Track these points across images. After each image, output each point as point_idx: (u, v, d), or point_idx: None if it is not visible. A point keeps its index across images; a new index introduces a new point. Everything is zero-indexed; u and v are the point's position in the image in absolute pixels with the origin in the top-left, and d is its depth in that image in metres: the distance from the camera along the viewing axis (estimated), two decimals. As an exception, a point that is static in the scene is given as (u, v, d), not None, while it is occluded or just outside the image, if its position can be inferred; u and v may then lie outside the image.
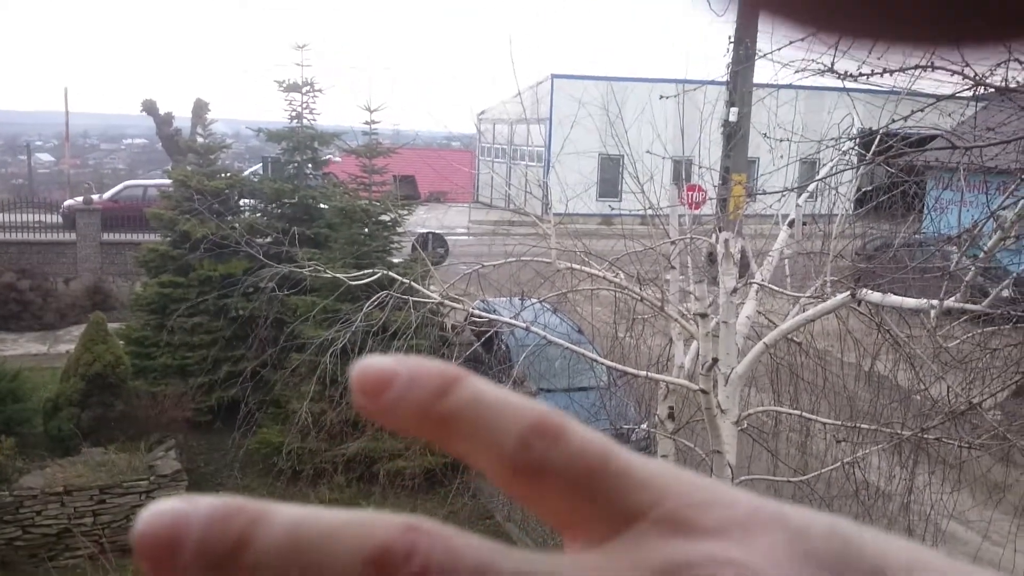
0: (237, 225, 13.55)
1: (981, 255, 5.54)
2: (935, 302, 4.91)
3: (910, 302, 5.39)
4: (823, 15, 0.32)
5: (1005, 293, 5.94)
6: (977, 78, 4.35)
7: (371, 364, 0.37)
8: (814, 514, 0.36)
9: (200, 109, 23.73)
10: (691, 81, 8.36)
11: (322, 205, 14.88)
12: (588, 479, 0.36)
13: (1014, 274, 5.93)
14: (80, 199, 23.94)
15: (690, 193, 10.50)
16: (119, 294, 20.44)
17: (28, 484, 10.50)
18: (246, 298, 13.07)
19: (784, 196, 6.99)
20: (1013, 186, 5.13)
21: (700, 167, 8.43)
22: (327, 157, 16.12)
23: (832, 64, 4.63)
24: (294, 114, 15.26)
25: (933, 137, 6.82)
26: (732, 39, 14.04)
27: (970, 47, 0.32)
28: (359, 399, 0.37)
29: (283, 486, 11.94)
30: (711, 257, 8.05)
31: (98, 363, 11.77)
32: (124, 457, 11.08)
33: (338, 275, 8.44)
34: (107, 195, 25.91)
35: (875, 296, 5.54)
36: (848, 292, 5.65)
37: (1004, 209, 5.24)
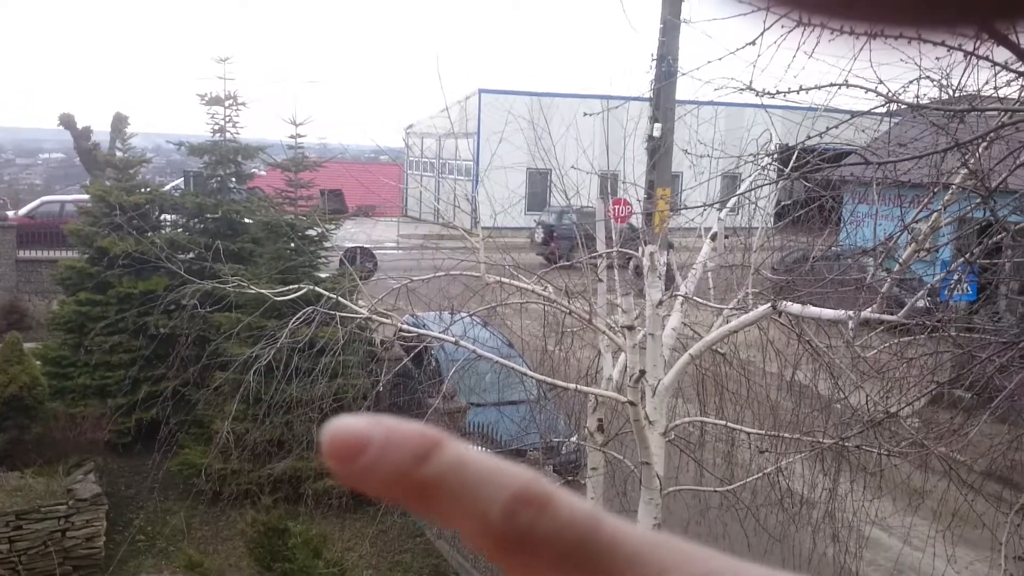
0: (158, 240, 13.23)
1: (896, 267, 5.70)
2: (852, 313, 5.03)
3: (828, 313, 5.52)
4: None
5: (920, 304, 6.12)
6: (890, 95, 4.48)
7: (343, 426, 0.35)
8: None
9: (119, 123, 23.18)
10: (616, 97, 8.47)
11: (246, 220, 14.64)
12: (578, 551, 0.34)
13: (928, 285, 6.12)
14: (-7, 215, 23.16)
15: (616, 207, 10.61)
16: (35, 313, 19.79)
17: (-62, 512, 10.08)
18: (167, 315, 12.77)
19: (706, 210, 7.11)
20: (926, 199, 5.30)
21: (625, 182, 8.54)
22: (251, 171, 15.88)
23: (751, 82, 4.73)
24: (217, 127, 15.01)
25: (849, 153, 7.01)
26: (655, 56, 14.29)
27: (953, 27, 0.32)
28: (331, 464, 0.35)
29: (204, 508, 11.67)
30: (637, 270, 8.15)
31: (13, 384, 11.38)
32: (41, 481, 10.71)
33: (263, 291, 8.30)
34: (23, 211, 25.11)
35: (795, 308, 5.66)
36: (769, 304, 5.76)
37: (918, 222, 5.41)
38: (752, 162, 6.73)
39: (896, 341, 6.01)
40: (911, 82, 4.54)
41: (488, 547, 0.35)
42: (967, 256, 5.44)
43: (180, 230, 15.16)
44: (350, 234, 22.40)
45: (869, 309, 5.16)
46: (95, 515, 10.67)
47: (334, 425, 0.36)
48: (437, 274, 7.96)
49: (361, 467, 0.35)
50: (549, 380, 7.28)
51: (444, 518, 0.36)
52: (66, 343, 13.68)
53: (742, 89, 4.86)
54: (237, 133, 15.11)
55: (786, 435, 6.52)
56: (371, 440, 0.35)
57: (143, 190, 14.98)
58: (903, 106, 4.71)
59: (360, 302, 8.61)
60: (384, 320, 7.85)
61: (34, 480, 10.72)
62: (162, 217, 15.41)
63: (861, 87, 4.31)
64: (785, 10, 0.35)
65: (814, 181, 6.54)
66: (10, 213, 23.68)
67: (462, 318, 8.07)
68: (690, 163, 7.34)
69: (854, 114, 4.92)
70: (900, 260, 5.68)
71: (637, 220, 10.48)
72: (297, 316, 7.67)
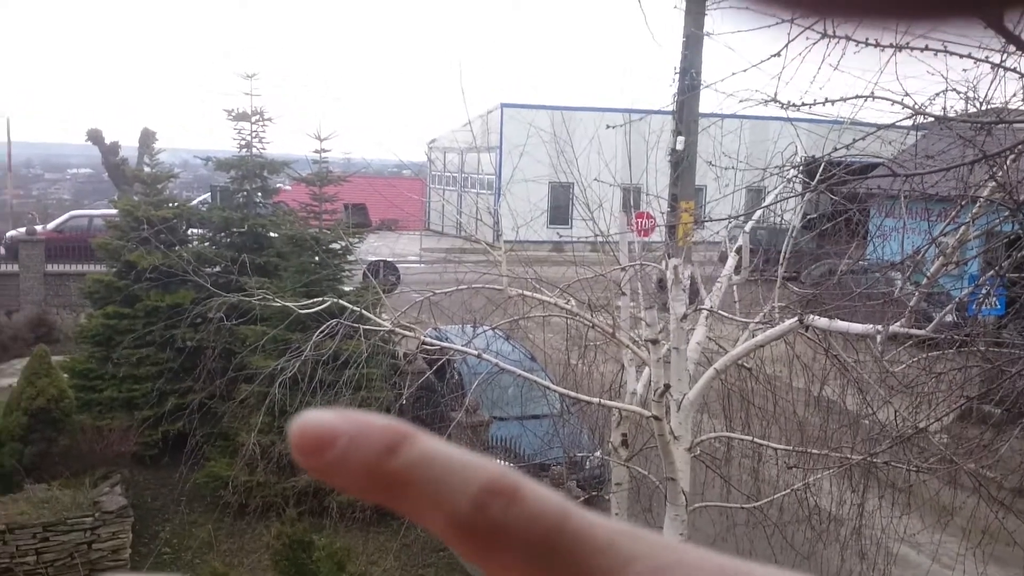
0: (185, 254, 13.34)
1: (924, 281, 5.64)
2: (881, 327, 4.98)
3: (856, 327, 5.46)
4: None
5: (948, 318, 6.05)
6: (917, 107, 4.45)
7: (311, 421, 0.35)
8: (779, 572, 0.35)
9: (147, 138, 23.45)
10: (638, 111, 8.47)
11: (272, 234, 14.74)
12: (546, 542, 0.35)
13: (957, 299, 6.05)
14: (23, 230, 23.45)
15: (639, 220, 10.59)
16: (63, 326, 19.99)
17: (-33, 523, 10.17)
18: (194, 329, 12.86)
19: (731, 223, 7.08)
20: (954, 213, 5.24)
21: (648, 195, 8.51)
22: (277, 185, 16.00)
23: (775, 93, 4.71)
24: (243, 143, 15.14)
25: (875, 165, 6.96)
26: (678, 69, 14.28)
27: (949, 20, 0.32)
28: (300, 458, 0.35)
29: (230, 521, 11.71)
30: (661, 284, 8.12)
31: (41, 397, 11.49)
32: (68, 493, 10.79)
33: (288, 304, 8.35)
34: (51, 225, 25.43)
35: (822, 322, 5.61)
36: (796, 318, 5.72)
37: (945, 235, 5.35)
38: (778, 174, 6.69)
39: (925, 356, 5.94)
40: (938, 94, 4.51)
41: (457, 539, 0.36)
42: (996, 269, 5.37)
43: (207, 244, 15.28)
44: (373, 248, 22.48)
45: (898, 323, 5.11)
46: (121, 527, 10.73)
47: (302, 419, 0.36)
48: (459, 287, 7.97)
49: (330, 461, 0.35)
50: (572, 394, 7.26)
51: (413, 512, 0.36)
52: (94, 356, 13.80)
53: (767, 101, 4.84)
54: (263, 148, 15.24)
55: (814, 451, 6.45)
56: (339, 434, 0.35)
57: (170, 205, 15.12)
58: (930, 118, 4.67)
59: (383, 315, 8.64)
60: (407, 333, 7.86)
61: (61, 492, 10.80)
62: (189, 231, 15.55)
63: (887, 99, 4.28)
64: (792, 11, 0.34)
65: (840, 194, 6.50)
66: (39, 227, 23.98)
67: (484, 331, 8.07)
68: (714, 176, 7.31)
69: (881, 127, 4.88)
70: (928, 274, 5.62)
71: (660, 233, 10.45)
72: (321, 329, 7.70)
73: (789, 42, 3.73)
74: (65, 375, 12.99)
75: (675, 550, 0.35)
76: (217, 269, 13.78)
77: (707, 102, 14.85)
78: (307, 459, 0.35)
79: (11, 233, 24.48)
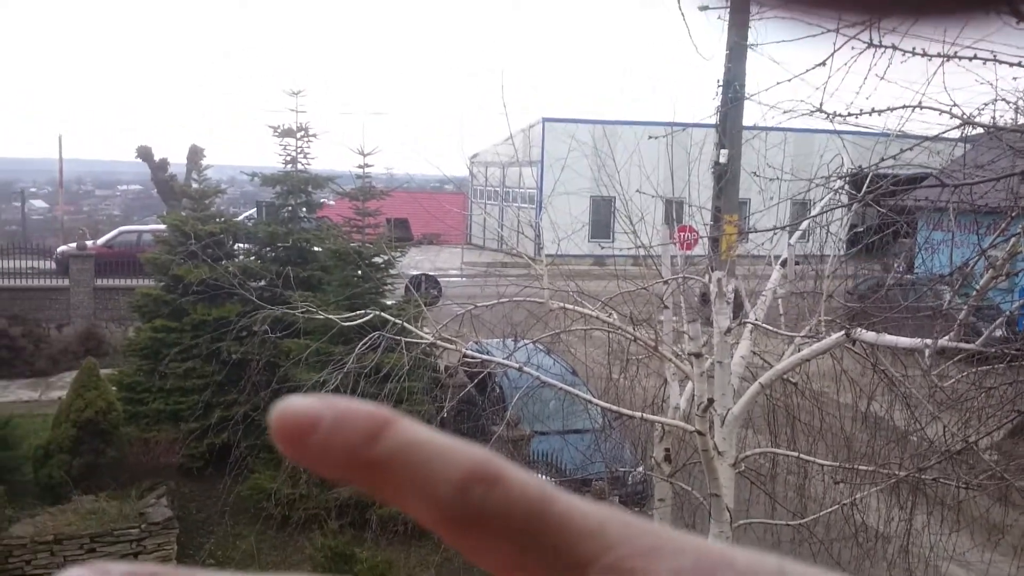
0: (231, 268, 13.52)
1: (973, 294, 5.53)
2: (929, 341, 4.89)
3: (905, 341, 5.37)
4: None
5: (998, 332, 5.92)
6: (966, 117, 4.37)
7: (292, 406, 0.35)
8: (761, 558, 0.34)
9: (195, 155, 23.85)
10: (680, 124, 8.42)
11: (316, 248, 14.89)
12: (529, 527, 0.34)
13: (1007, 312, 5.92)
14: (74, 245, 23.92)
15: (681, 234, 10.52)
16: (112, 339, 20.34)
17: (18, 533, 10.35)
18: (239, 341, 13.01)
19: (776, 236, 7.01)
20: (1004, 224, 5.14)
21: (691, 206, 8.46)
22: (321, 200, 16.16)
23: (821, 104, 4.66)
24: (289, 159, 15.33)
25: (923, 177, 6.86)
26: (721, 81, 14.21)
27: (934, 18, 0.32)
28: (281, 445, 0.35)
29: (274, 532, 11.79)
30: (704, 297, 8.05)
31: (90, 409, 11.68)
32: (115, 505, 10.94)
33: (331, 317, 8.41)
34: (101, 241, 25.91)
35: (870, 336, 5.52)
36: (843, 332, 5.63)
37: (995, 248, 5.24)
38: (823, 186, 6.61)
39: (974, 371, 5.83)
40: (986, 104, 4.43)
41: (440, 526, 0.35)
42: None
43: (252, 258, 15.46)
44: (415, 261, 22.60)
45: (946, 337, 5.02)
46: (166, 539, 10.86)
47: (282, 405, 0.35)
48: (501, 301, 7.97)
49: (311, 447, 0.35)
50: (615, 408, 7.21)
51: (396, 498, 0.36)
52: (141, 369, 14.01)
53: (812, 111, 4.79)
54: (308, 164, 15.42)
55: (861, 467, 6.34)
56: (320, 419, 0.35)
57: (217, 220, 15.34)
58: (979, 128, 4.59)
59: (425, 328, 8.66)
60: (448, 346, 7.88)
61: (108, 504, 10.96)
62: (235, 246, 15.75)
63: (936, 109, 4.21)
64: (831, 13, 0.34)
65: (887, 206, 6.40)
66: (89, 243, 24.44)
67: (526, 345, 8.05)
68: (759, 188, 7.24)
69: (929, 138, 4.81)
70: (977, 287, 5.51)
71: (703, 246, 10.38)
72: (364, 342, 7.74)
73: (835, 51, 3.69)
74: (113, 388, 13.20)
75: (656, 535, 0.35)
76: (262, 283, 13.95)
77: (750, 114, 14.76)
78: (287, 445, 0.35)
79: (62, 248, 24.96)
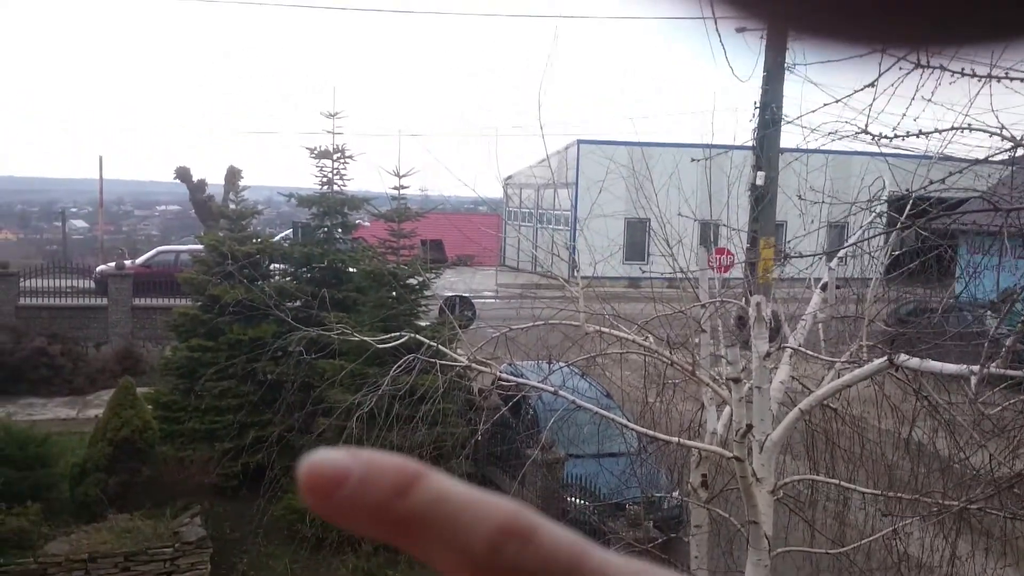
0: (267, 289, 13.61)
1: (1021, 320, 5.41)
2: (976, 368, 4.78)
3: (950, 368, 5.25)
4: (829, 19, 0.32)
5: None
6: (1017, 140, 4.28)
7: (320, 460, 0.35)
8: None
9: (232, 176, 24.11)
10: (718, 146, 8.36)
11: (351, 269, 14.96)
12: None
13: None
14: (113, 264, 24.23)
15: (719, 256, 10.43)
16: (149, 358, 20.54)
17: (53, 551, 10.43)
18: (274, 362, 13.07)
19: (816, 260, 6.91)
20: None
21: (729, 228, 8.38)
22: (356, 222, 16.25)
23: (866, 126, 4.59)
24: (324, 180, 15.44)
25: (962, 201, 6.74)
26: (758, 104, 14.12)
27: (962, 46, 0.32)
28: (309, 499, 0.35)
29: (307, 554, 11.77)
30: (741, 321, 7.95)
31: (126, 428, 11.77)
32: (150, 524, 10.99)
33: (366, 338, 8.41)
34: (140, 260, 26.23)
35: (913, 362, 5.41)
36: (885, 357, 5.52)
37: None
38: (865, 210, 6.51)
39: (1022, 398, 5.68)
40: (1037, 126, 4.34)
41: None
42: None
43: (288, 279, 15.57)
44: (449, 283, 22.64)
45: (994, 364, 4.90)
46: (200, 558, 10.88)
47: (311, 458, 0.35)
48: (536, 323, 7.93)
49: (339, 502, 0.34)
50: (650, 433, 7.12)
51: (426, 553, 0.35)
52: (177, 388, 14.12)
53: (858, 133, 4.72)
54: (343, 185, 15.52)
55: (903, 496, 6.20)
56: (349, 473, 0.34)
57: (254, 240, 15.48)
58: (1030, 151, 4.50)
59: (459, 351, 8.64)
60: (483, 369, 7.84)
61: (142, 522, 11.01)
62: (271, 266, 15.87)
63: (985, 131, 4.13)
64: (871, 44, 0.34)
65: (931, 230, 6.29)
66: (127, 262, 24.75)
67: (560, 368, 8.00)
68: (799, 211, 7.15)
69: (978, 161, 4.72)
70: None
71: (740, 269, 10.28)
72: (398, 364, 7.72)
73: (882, 73, 3.63)
74: (149, 407, 13.30)
75: None
76: (298, 303, 14.03)
77: (787, 136, 14.64)
78: (316, 500, 0.35)
79: (101, 268, 25.30)
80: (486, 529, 0.34)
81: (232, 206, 16.14)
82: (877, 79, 4.03)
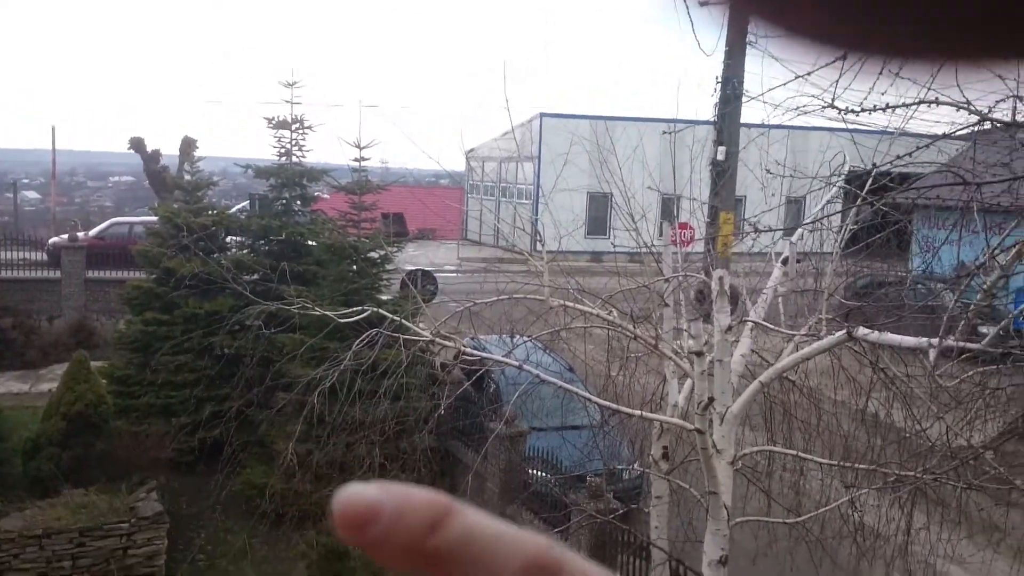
0: (224, 262, 13.41)
1: (978, 295, 5.48)
2: (935, 341, 4.83)
3: (909, 340, 5.31)
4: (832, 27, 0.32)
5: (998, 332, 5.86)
6: (983, 113, 4.30)
7: (355, 495, 0.36)
8: None
9: (187, 146, 23.67)
10: (680, 120, 8.35)
11: (310, 242, 14.78)
12: None
13: (1013, 313, 5.87)
14: (66, 236, 23.76)
15: (680, 231, 10.46)
16: (103, 332, 20.20)
17: (6, 527, 10.25)
18: (232, 336, 12.92)
19: (778, 234, 6.95)
20: (1013, 225, 5.08)
21: (692, 200, 8.39)
22: (316, 194, 16.05)
23: (832, 100, 4.59)
24: (283, 151, 15.21)
25: (917, 176, 6.80)
26: (719, 79, 14.15)
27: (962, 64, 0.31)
28: (344, 533, 0.36)
29: (266, 529, 11.70)
30: (700, 295, 7.99)
31: (80, 402, 11.57)
32: (105, 499, 10.84)
33: (327, 313, 8.33)
34: (93, 232, 25.72)
35: (873, 335, 5.47)
36: (845, 331, 5.58)
37: (1003, 249, 5.18)
38: (826, 185, 6.55)
39: (979, 371, 5.77)
40: (999, 101, 4.35)
41: None
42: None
43: (246, 251, 15.36)
44: (411, 257, 22.51)
45: (952, 337, 4.96)
46: (156, 533, 10.76)
47: (345, 494, 0.36)
48: (500, 297, 7.90)
49: (373, 537, 0.35)
50: (613, 406, 7.16)
51: None
52: (132, 362, 13.90)
53: (824, 107, 4.72)
54: (303, 156, 15.30)
55: (860, 466, 6.29)
56: (382, 509, 0.35)
57: (210, 212, 15.23)
58: (997, 124, 4.52)
59: (422, 325, 8.59)
60: (447, 343, 7.81)
61: (98, 497, 10.85)
62: (228, 239, 15.63)
63: (953, 104, 4.14)
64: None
65: (890, 204, 6.34)
66: (80, 234, 24.28)
67: (524, 342, 7.99)
68: (761, 185, 7.18)
69: (942, 136, 4.74)
70: (983, 287, 5.46)
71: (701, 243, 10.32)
72: (361, 338, 7.66)
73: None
74: (104, 381, 13.09)
75: None
76: (255, 277, 13.85)
77: (749, 111, 14.69)
78: (351, 534, 0.36)
79: (53, 240, 24.79)
80: (516, 563, 0.35)
81: (187, 177, 15.84)
82: (845, 54, 4.01)
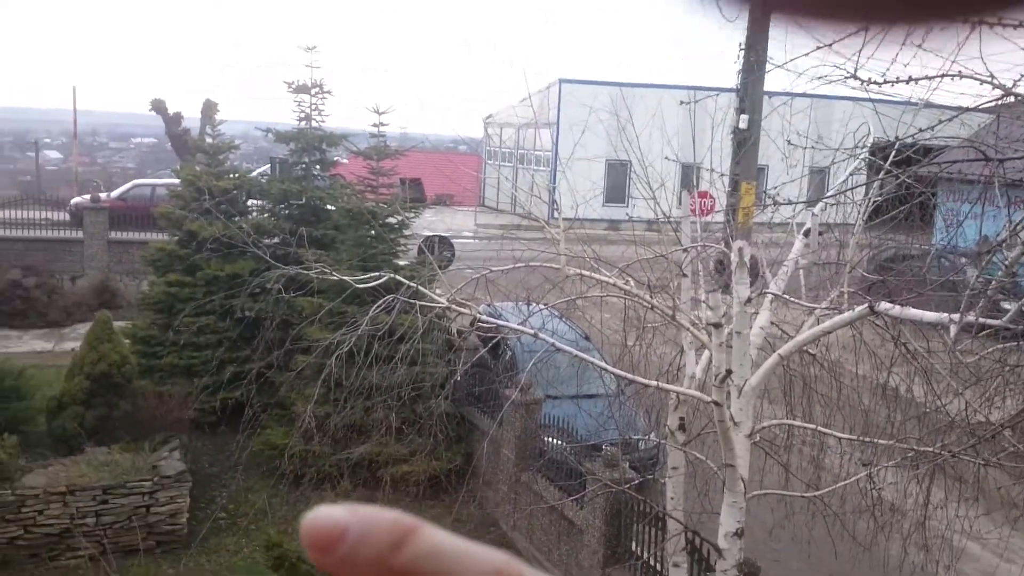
0: (245, 225, 13.46)
1: (1000, 271, 5.42)
2: (956, 316, 4.79)
3: (930, 315, 5.27)
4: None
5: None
6: (1007, 88, 4.23)
7: (321, 517, 0.37)
8: None
9: (209, 109, 23.70)
10: (701, 88, 8.26)
11: (329, 207, 14.80)
12: None
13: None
14: (88, 197, 23.89)
15: (700, 200, 10.39)
16: (126, 293, 20.38)
17: (31, 483, 10.43)
18: (253, 299, 12.99)
19: (800, 205, 6.88)
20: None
21: (712, 170, 8.31)
22: (335, 159, 16.04)
23: (855, 71, 4.52)
24: (303, 115, 15.19)
25: (940, 148, 6.70)
26: (742, 46, 13.97)
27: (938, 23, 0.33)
28: (311, 554, 0.37)
29: (285, 489, 11.84)
30: (719, 266, 7.94)
31: (103, 362, 11.70)
32: (128, 457, 11.00)
33: (345, 277, 8.35)
34: (115, 194, 25.85)
35: (895, 310, 5.42)
36: (866, 305, 5.54)
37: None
38: (849, 156, 6.47)
39: (1000, 347, 5.72)
40: (1025, 75, 4.28)
41: None
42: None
43: (266, 215, 15.40)
44: (428, 223, 22.51)
45: (973, 313, 4.91)
46: (179, 492, 10.92)
47: (312, 516, 0.37)
48: (516, 265, 7.88)
49: (340, 556, 0.36)
50: (629, 376, 7.15)
51: None
52: (155, 323, 14.03)
53: (846, 78, 4.65)
54: (322, 121, 15.28)
55: (880, 441, 6.27)
56: (347, 529, 0.36)
57: (231, 175, 15.27)
58: (1020, 98, 4.44)
59: (438, 291, 8.60)
60: (462, 310, 7.82)
61: (121, 456, 11.01)
62: (249, 202, 15.68)
63: (976, 78, 4.07)
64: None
65: (913, 177, 6.26)
66: (103, 195, 24.40)
67: (540, 310, 7.98)
68: (783, 155, 7.10)
69: (965, 109, 4.67)
70: (1005, 263, 5.40)
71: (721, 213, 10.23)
72: (378, 304, 7.69)
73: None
74: (127, 341, 13.23)
75: None
76: (275, 240, 13.90)
77: (772, 79, 14.51)
78: (318, 555, 0.36)
79: (76, 200, 24.93)
80: None
81: (209, 140, 15.87)
82: (866, 26, 3.95)
